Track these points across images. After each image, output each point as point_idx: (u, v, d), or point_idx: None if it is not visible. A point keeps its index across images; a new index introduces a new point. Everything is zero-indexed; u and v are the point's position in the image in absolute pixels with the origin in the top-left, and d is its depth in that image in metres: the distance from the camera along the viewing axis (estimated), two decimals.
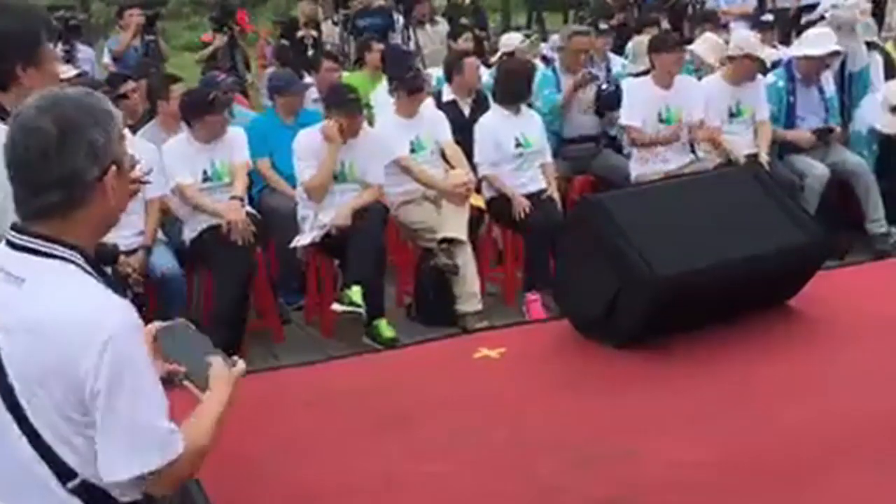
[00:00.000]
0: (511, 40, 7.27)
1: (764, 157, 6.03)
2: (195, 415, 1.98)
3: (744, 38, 6.49)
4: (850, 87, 6.58)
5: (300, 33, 9.00)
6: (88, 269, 1.89)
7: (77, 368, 1.79)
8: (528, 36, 7.87)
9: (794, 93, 6.37)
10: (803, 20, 7.88)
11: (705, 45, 6.87)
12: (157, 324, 2.15)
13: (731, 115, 6.22)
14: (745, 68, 6.19)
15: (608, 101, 6.39)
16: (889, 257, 5.67)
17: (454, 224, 5.40)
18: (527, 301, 5.54)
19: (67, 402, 1.82)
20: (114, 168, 1.88)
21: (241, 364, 2.09)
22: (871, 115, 6.33)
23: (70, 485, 1.87)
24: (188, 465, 1.91)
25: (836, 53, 6.30)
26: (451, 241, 5.36)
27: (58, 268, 1.85)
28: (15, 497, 1.89)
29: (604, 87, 6.38)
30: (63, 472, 1.86)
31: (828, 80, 6.50)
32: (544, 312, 5.39)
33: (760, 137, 6.20)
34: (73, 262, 1.87)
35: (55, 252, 1.86)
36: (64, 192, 1.84)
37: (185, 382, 2.07)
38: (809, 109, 6.38)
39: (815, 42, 6.30)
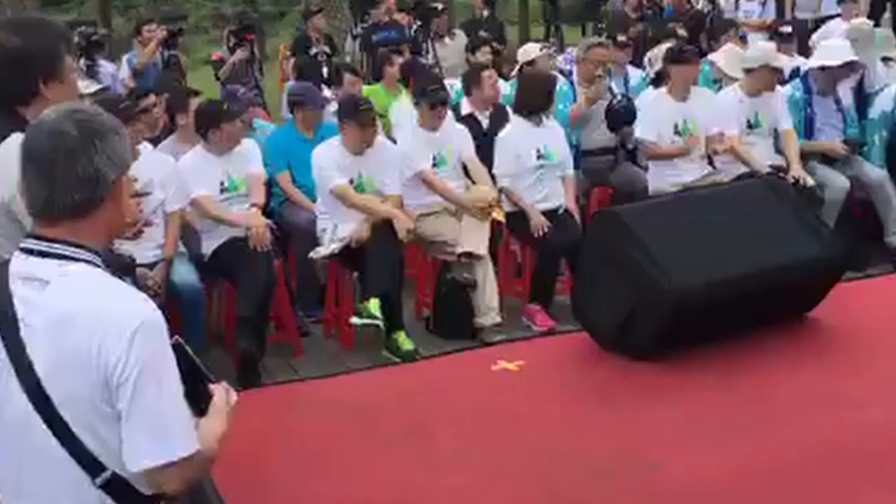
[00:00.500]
0: (530, 50, 7.26)
1: (798, 170, 5.93)
2: (201, 426, 2.00)
3: (761, 48, 6.49)
4: (865, 107, 6.55)
5: (313, 49, 9.03)
6: (109, 272, 1.95)
7: (107, 357, 1.84)
8: (544, 48, 7.87)
9: (811, 105, 6.34)
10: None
11: (726, 56, 6.87)
12: None
13: (750, 127, 6.19)
14: (764, 79, 6.17)
15: (618, 117, 6.37)
16: None
17: (474, 238, 5.40)
18: (529, 312, 5.55)
19: (96, 391, 1.86)
20: (125, 176, 1.98)
21: (233, 394, 2.14)
22: (887, 102, 6.30)
23: (99, 480, 1.90)
24: (200, 463, 1.96)
25: (851, 64, 6.29)
26: (470, 255, 5.37)
27: (82, 270, 1.91)
28: (46, 498, 1.92)
29: (614, 101, 6.35)
30: (92, 467, 1.90)
31: (845, 93, 6.48)
32: (550, 320, 5.41)
33: (788, 148, 6.13)
34: (96, 265, 1.93)
35: (78, 255, 1.91)
36: (87, 190, 1.90)
37: None
38: (827, 121, 6.36)
39: (832, 53, 6.29)
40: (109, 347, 1.84)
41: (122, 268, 2.70)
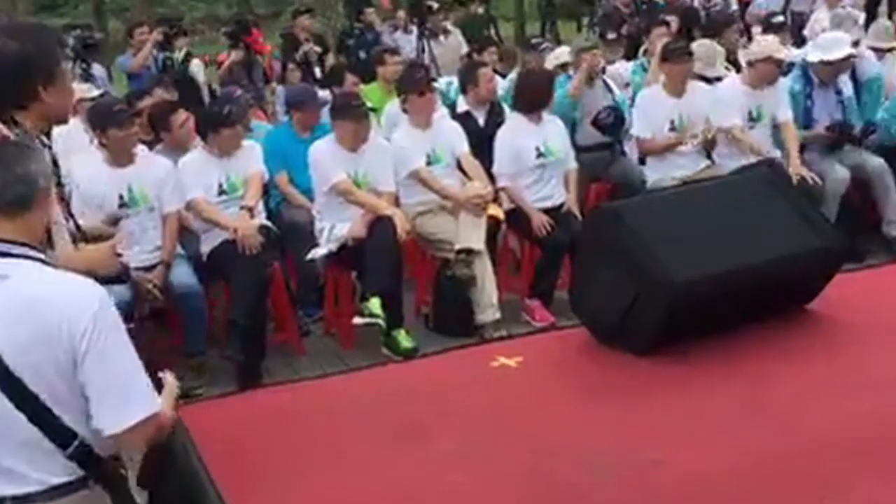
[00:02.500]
0: (560, 53, 7.11)
1: (797, 166, 5.95)
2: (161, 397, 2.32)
3: (764, 41, 6.47)
4: (860, 94, 6.57)
5: (303, 48, 9.00)
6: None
7: (72, 333, 2.09)
8: (535, 46, 7.84)
9: (811, 96, 6.34)
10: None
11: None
12: None
13: (752, 120, 6.18)
14: (767, 72, 6.14)
15: (604, 131, 6.37)
16: None
17: (472, 235, 5.41)
18: (529, 307, 5.56)
19: (61, 365, 2.10)
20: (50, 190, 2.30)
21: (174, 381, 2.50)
22: None
23: (70, 450, 2.15)
24: (157, 424, 2.24)
25: (851, 58, 6.28)
26: (469, 252, 5.37)
27: (34, 265, 2.18)
28: (18, 474, 2.15)
29: (600, 115, 6.31)
30: (63, 438, 2.15)
31: (845, 83, 6.47)
32: (549, 316, 5.42)
33: (787, 140, 6.13)
34: (45, 262, 2.21)
35: (28, 254, 2.18)
36: (24, 187, 2.18)
37: None
38: (826, 111, 6.36)
39: (830, 46, 6.28)
40: (74, 326, 2.09)
41: (115, 274, 2.75)
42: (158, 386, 2.36)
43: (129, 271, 2.93)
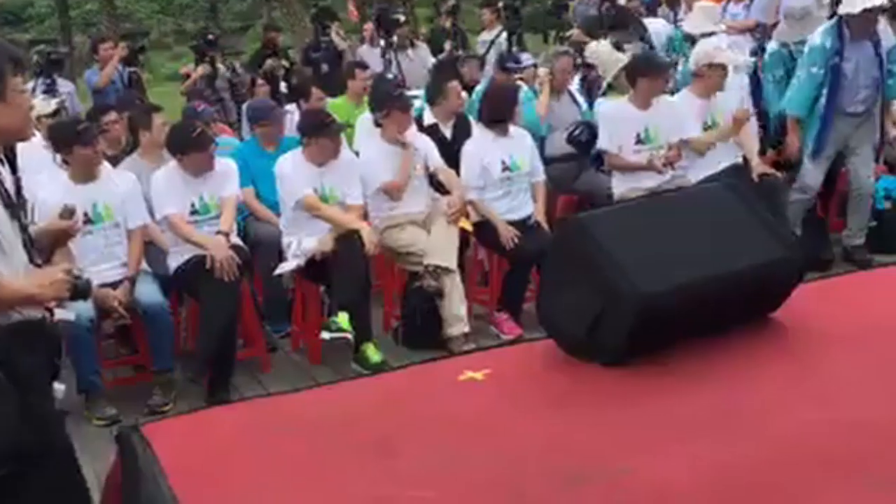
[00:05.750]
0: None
1: (759, 166, 6.02)
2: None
3: (704, 51, 6.43)
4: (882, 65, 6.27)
5: (269, 62, 8.98)
6: None
7: None
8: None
9: (841, 52, 6.06)
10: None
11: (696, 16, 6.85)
12: None
13: (707, 129, 6.21)
14: (712, 79, 6.16)
15: (580, 147, 6.40)
16: (870, 267, 5.69)
17: (444, 251, 5.41)
18: (497, 321, 5.56)
19: None
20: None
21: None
22: None
23: None
24: None
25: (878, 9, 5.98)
26: (438, 268, 5.37)
27: None
28: None
29: (576, 132, 6.35)
30: None
31: (886, 33, 6.17)
32: (517, 328, 5.43)
33: (744, 137, 6.18)
34: None
35: None
36: None
37: None
38: (862, 67, 6.08)
39: None
40: None
41: (80, 292, 2.72)
42: None
43: (90, 288, 2.88)
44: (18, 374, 2.68)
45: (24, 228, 2.77)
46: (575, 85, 7.02)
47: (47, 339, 2.86)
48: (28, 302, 2.74)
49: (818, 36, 6.10)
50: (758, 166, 6.08)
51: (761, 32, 7.48)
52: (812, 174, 6.24)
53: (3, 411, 2.64)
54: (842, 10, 6.01)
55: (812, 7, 6.63)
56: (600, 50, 6.95)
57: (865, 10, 5.88)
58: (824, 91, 6.07)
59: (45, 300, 2.80)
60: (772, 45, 6.78)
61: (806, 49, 6.14)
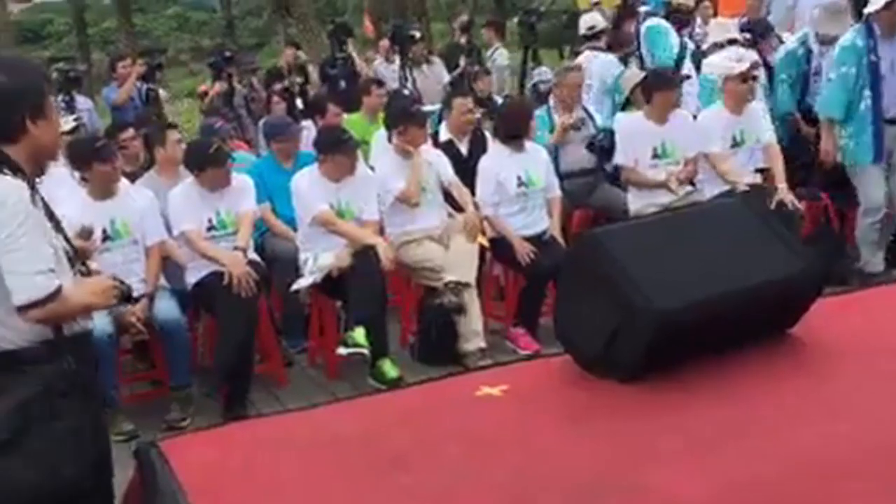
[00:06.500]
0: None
1: (783, 192, 5.84)
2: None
3: (720, 62, 6.37)
4: None
5: (286, 81, 9.05)
6: None
7: None
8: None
9: (875, 50, 5.86)
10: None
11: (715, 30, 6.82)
12: None
13: (735, 145, 6.10)
14: (738, 91, 6.06)
15: (601, 154, 6.40)
16: (884, 284, 5.64)
17: (464, 267, 5.41)
18: (514, 336, 5.56)
19: None
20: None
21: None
22: None
23: None
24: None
25: None
26: (457, 284, 5.38)
27: None
28: None
29: (598, 138, 6.36)
30: None
31: None
32: (534, 343, 5.43)
33: (772, 161, 6.05)
34: None
35: None
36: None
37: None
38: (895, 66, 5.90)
39: None
40: None
41: (124, 297, 2.80)
42: None
43: (132, 293, 2.97)
44: (86, 385, 2.74)
45: (67, 240, 2.82)
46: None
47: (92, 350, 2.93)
48: (86, 311, 2.82)
49: (849, 35, 5.97)
50: (780, 192, 5.89)
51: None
52: (874, 188, 5.98)
53: (81, 424, 2.71)
54: (869, 8, 5.89)
55: (843, 6, 6.48)
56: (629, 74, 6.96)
57: (888, 2, 5.74)
58: (866, 94, 5.88)
59: (99, 308, 2.93)
60: (790, 45, 6.67)
61: (836, 50, 5.99)
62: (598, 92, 7.21)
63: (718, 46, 6.83)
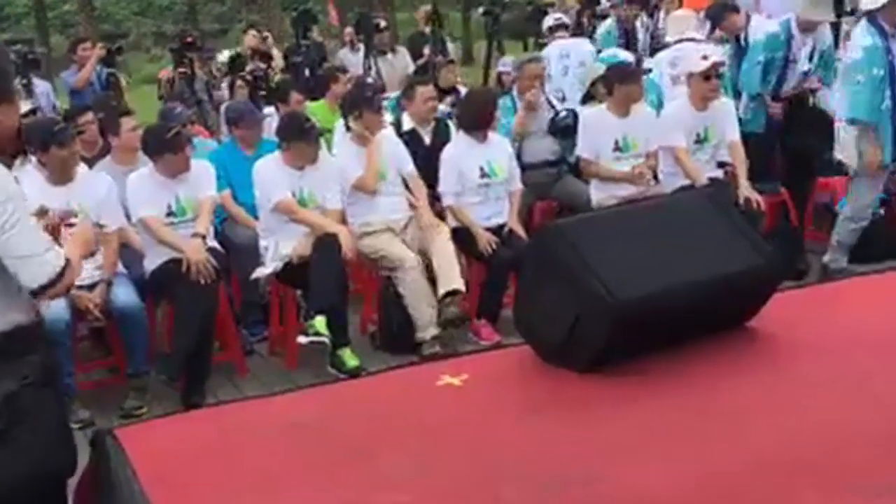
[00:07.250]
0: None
1: (746, 188, 5.85)
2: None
3: (684, 53, 6.39)
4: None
5: (248, 67, 8.97)
6: None
7: None
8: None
9: (890, 49, 5.69)
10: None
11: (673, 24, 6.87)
12: None
13: (698, 141, 6.11)
14: (700, 87, 6.04)
15: (565, 132, 6.41)
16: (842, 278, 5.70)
17: (451, 275, 5.41)
18: (475, 326, 5.57)
19: None
20: None
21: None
22: None
23: None
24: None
25: None
26: (454, 293, 5.37)
27: None
28: None
29: (558, 117, 6.38)
30: None
31: None
32: (496, 334, 5.44)
33: (736, 160, 6.03)
34: None
35: None
36: None
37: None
38: None
39: None
40: None
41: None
42: None
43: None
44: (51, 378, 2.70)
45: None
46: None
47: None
48: (79, 266, 2.82)
49: (861, 38, 5.77)
50: (744, 189, 5.88)
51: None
52: (870, 195, 5.93)
53: (63, 414, 2.71)
54: (871, 5, 5.76)
55: None
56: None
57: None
58: (887, 94, 5.72)
59: (86, 256, 2.97)
60: (772, 28, 6.51)
61: (858, 54, 5.76)
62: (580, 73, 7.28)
63: (673, 44, 6.91)
